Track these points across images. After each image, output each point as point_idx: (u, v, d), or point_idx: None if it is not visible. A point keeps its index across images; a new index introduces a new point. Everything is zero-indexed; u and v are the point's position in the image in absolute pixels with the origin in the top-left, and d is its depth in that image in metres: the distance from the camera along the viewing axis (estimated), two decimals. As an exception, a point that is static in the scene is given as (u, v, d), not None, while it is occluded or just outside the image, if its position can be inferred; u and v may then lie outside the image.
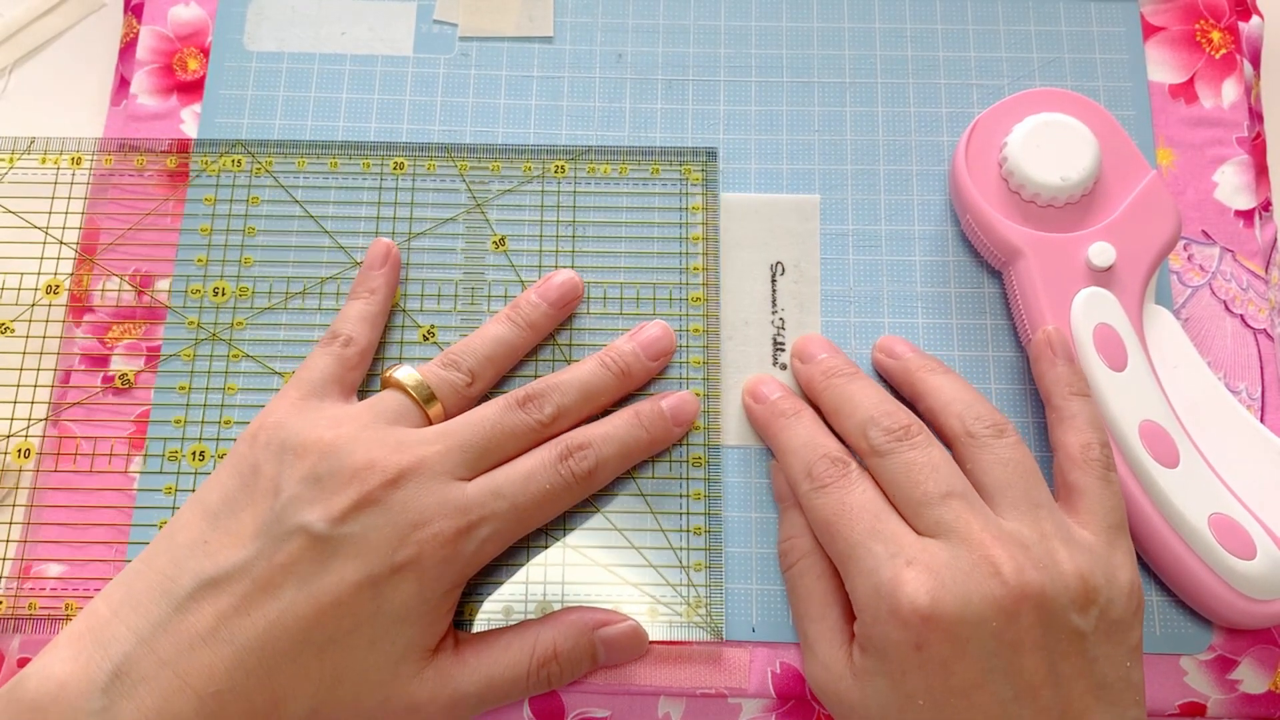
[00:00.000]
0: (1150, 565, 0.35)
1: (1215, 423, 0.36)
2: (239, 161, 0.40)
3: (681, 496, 0.37)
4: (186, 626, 0.30)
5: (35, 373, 0.38)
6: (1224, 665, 0.35)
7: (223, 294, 0.39)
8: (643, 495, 0.37)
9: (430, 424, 0.34)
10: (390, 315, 0.38)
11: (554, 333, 0.38)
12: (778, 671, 0.35)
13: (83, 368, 0.38)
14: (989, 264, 0.39)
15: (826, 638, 0.32)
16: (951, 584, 0.29)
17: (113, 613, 0.30)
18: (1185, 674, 0.35)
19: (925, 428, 0.33)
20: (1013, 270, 0.37)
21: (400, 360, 0.38)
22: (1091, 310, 0.35)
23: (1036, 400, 0.37)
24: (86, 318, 0.39)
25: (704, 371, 0.38)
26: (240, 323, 0.38)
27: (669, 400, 0.36)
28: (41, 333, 0.38)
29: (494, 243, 0.39)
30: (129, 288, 0.39)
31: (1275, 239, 0.40)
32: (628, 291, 0.39)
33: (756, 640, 0.35)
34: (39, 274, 0.39)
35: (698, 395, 0.37)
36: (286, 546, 0.30)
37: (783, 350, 0.38)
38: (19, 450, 0.37)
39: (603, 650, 0.34)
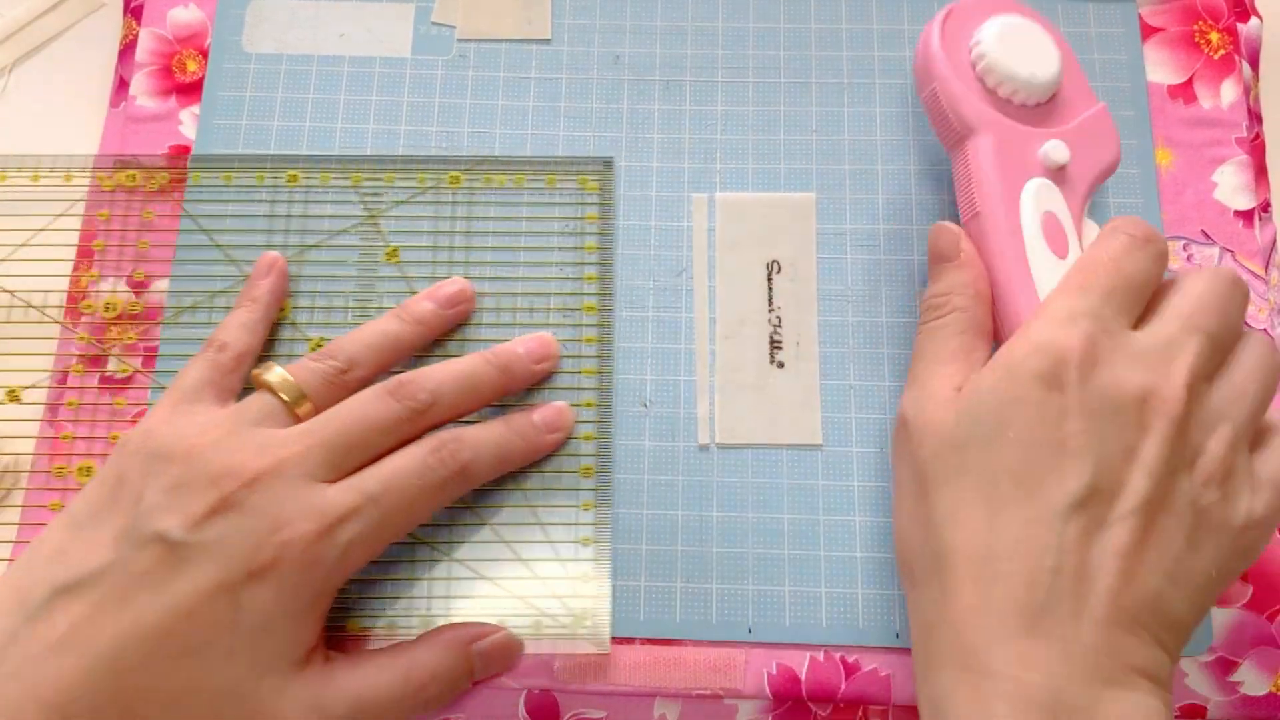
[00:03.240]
0: None
1: None
2: (134, 176, 0.40)
3: (571, 508, 0.36)
4: (37, 636, 0.29)
5: (30, 374, 0.38)
6: (1224, 667, 0.35)
7: (113, 309, 0.39)
8: (531, 507, 0.36)
9: (299, 422, 0.33)
10: (278, 328, 0.38)
11: (443, 341, 0.38)
12: (774, 672, 0.35)
13: (80, 368, 0.38)
14: (942, 142, 0.38)
15: (940, 377, 0.32)
16: (1113, 361, 0.29)
17: None
18: (1186, 676, 0.35)
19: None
20: (968, 145, 0.36)
21: None
22: (1041, 199, 0.35)
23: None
24: (84, 319, 0.39)
25: (597, 380, 0.38)
26: (131, 337, 0.38)
27: (540, 411, 0.36)
28: (36, 334, 0.38)
29: (387, 254, 0.39)
30: (125, 289, 0.39)
31: (1275, 239, 0.39)
32: (521, 302, 0.39)
33: (753, 641, 0.35)
34: (37, 276, 0.39)
35: (590, 405, 0.37)
36: (142, 554, 0.30)
37: (779, 349, 0.38)
38: (13, 452, 0.37)
39: (479, 664, 0.34)
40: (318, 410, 0.33)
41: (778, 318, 0.38)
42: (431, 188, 0.40)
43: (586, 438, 0.37)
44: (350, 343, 0.35)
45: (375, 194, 0.40)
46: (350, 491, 0.31)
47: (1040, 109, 0.37)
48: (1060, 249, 0.35)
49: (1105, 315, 0.30)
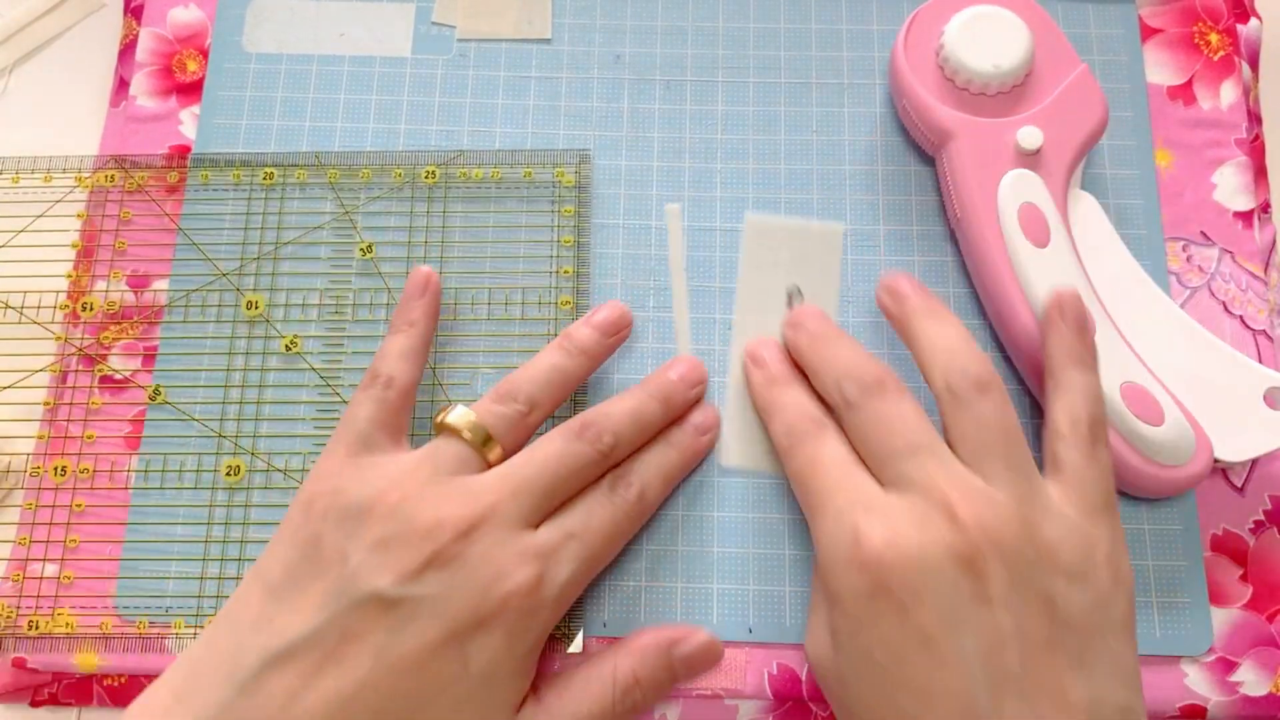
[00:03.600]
0: None
1: (1130, 298, 0.37)
2: (112, 177, 0.40)
3: None
4: (252, 709, 0.28)
5: (30, 374, 0.38)
6: (1225, 667, 0.35)
7: (90, 309, 0.39)
8: None
9: (490, 466, 0.33)
10: (250, 327, 0.38)
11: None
12: (774, 672, 0.35)
13: (80, 368, 0.38)
14: (922, 151, 0.40)
15: (815, 622, 0.32)
16: (906, 530, 0.29)
17: (175, 699, 0.29)
18: (1185, 676, 0.35)
19: (899, 383, 0.32)
20: (944, 153, 0.38)
21: (441, 403, 0.37)
22: (1018, 190, 0.36)
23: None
24: (84, 317, 0.39)
25: None
26: (109, 340, 0.38)
27: (693, 416, 0.36)
28: (38, 334, 0.38)
29: (361, 250, 0.39)
30: (125, 288, 0.39)
31: (1274, 240, 0.39)
32: (496, 296, 0.39)
33: (753, 641, 0.35)
34: (37, 276, 0.39)
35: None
36: (358, 615, 0.29)
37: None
38: (14, 452, 0.37)
39: (682, 668, 0.33)
40: (506, 454, 0.33)
41: None
42: (407, 183, 0.40)
43: None
44: (527, 382, 0.34)
45: (351, 190, 0.40)
46: (557, 534, 0.31)
47: (1015, 91, 0.38)
48: (1040, 238, 0.36)
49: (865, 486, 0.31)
